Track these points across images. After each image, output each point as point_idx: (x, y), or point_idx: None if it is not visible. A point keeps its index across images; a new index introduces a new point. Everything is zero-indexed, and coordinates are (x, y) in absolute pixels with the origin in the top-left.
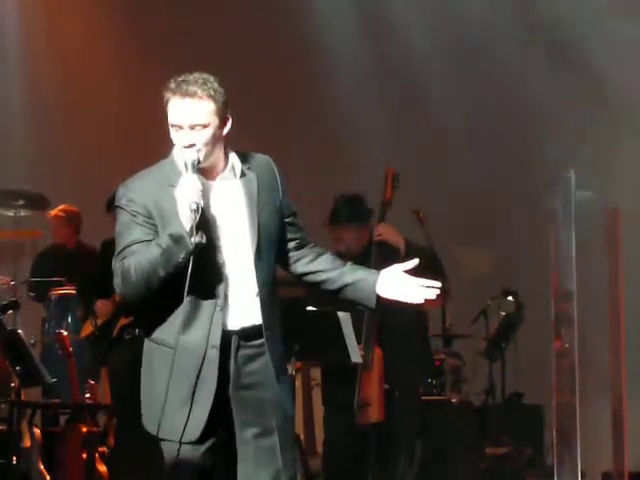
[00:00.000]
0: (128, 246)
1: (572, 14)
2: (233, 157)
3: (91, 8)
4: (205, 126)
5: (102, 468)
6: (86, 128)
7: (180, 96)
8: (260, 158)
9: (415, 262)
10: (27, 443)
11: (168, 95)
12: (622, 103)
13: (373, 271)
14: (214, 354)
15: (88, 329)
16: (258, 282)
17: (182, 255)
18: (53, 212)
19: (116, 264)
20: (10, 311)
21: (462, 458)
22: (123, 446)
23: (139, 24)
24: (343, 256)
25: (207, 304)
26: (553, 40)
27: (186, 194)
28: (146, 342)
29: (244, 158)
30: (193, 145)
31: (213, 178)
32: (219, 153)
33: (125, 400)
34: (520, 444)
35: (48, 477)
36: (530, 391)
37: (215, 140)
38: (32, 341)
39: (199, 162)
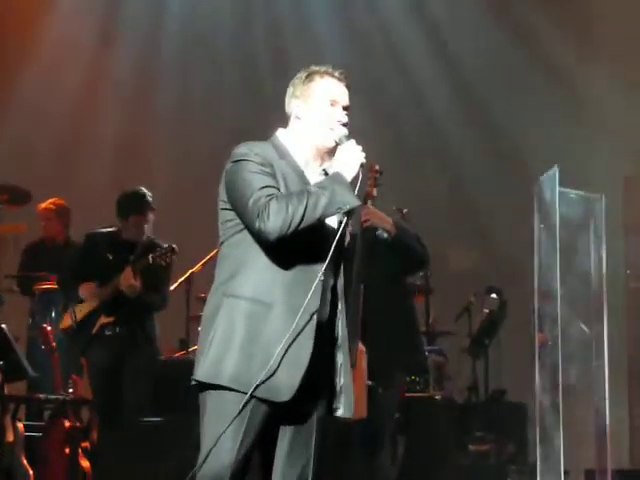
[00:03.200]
0: (265, 187)
1: None
2: None
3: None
4: (348, 110)
5: (85, 463)
6: (69, 122)
7: (338, 80)
8: None
9: None
10: (10, 438)
11: (322, 75)
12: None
13: None
14: (313, 320)
15: (67, 322)
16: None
17: (345, 207)
18: (43, 205)
19: (260, 202)
20: None
21: (445, 455)
22: (108, 441)
23: None
24: None
25: (311, 270)
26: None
27: (357, 152)
28: (231, 300)
29: None
30: (347, 124)
31: (320, 162)
32: None
33: (107, 396)
34: (503, 441)
35: (31, 472)
36: (513, 388)
37: None
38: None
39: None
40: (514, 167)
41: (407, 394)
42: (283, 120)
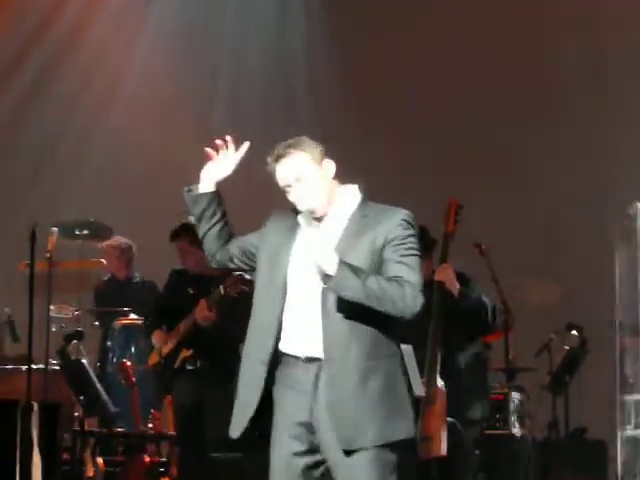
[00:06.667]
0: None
1: None
2: (347, 202)
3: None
4: (300, 180)
5: None
6: (150, 158)
7: (274, 162)
8: (389, 210)
9: None
10: (90, 473)
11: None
12: None
13: None
14: (262, 367)
15: (154, 358)
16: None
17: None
18: (106, 243)
19: None
20: (74, 341)
21: None
22: (188, 476)
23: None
24: None
25: (267, 317)
26: None
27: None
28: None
29: (367, 208)
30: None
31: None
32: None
33: (189, 431)
34: (583, 479)
35: None
36: (594, 426)
37: (316, 186)
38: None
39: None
40: (598, 201)
41: (487, 431)
42: None
